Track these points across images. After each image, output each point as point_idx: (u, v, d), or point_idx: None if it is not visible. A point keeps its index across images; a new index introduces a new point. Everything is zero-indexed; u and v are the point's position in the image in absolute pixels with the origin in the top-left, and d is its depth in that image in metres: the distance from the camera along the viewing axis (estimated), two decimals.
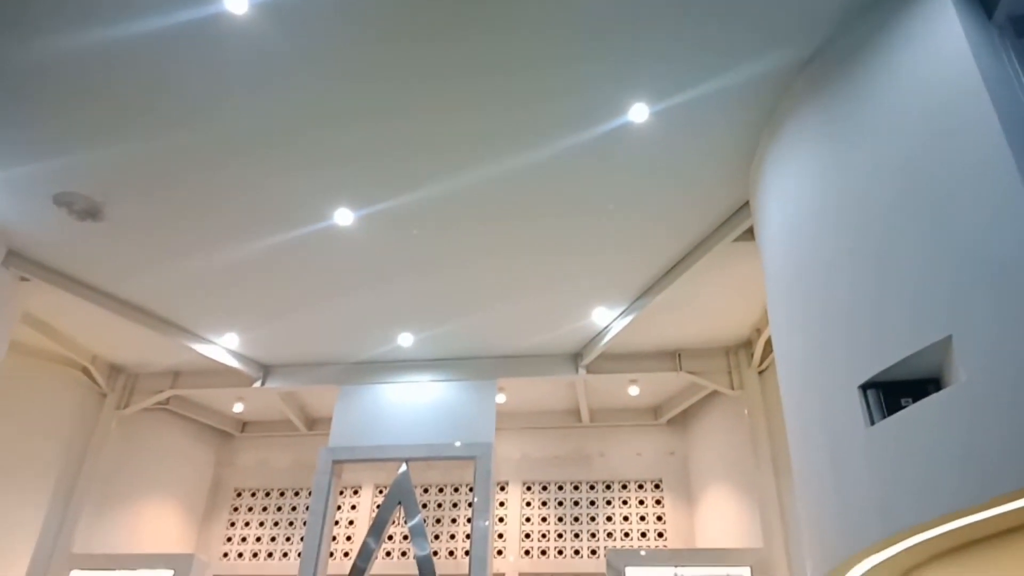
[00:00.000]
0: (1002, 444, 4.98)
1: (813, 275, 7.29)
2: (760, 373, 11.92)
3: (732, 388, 12.03)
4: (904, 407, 6.33)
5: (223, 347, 12.42)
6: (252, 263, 10.26)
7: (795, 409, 7.92)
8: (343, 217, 9.37)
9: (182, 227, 9.66)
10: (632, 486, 13.50)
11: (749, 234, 9.40)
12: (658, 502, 13.29)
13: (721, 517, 12.11)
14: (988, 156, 5.47)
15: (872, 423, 6.45)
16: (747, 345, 12.11)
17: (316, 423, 14.53)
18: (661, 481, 13.41)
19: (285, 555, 13.70)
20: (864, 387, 6.66)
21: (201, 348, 12.20)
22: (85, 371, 12.93)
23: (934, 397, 5.99)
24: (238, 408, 14.18)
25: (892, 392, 6.58)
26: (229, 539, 14.02)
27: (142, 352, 12.80)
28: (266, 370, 13.04)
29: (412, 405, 12.45)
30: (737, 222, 9.25)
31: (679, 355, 12.23)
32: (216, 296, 11.11)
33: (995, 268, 5.25)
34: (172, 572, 11.52)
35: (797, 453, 7.92)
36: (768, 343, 11.20)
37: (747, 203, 9.06)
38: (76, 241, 9.99)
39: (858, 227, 6.67)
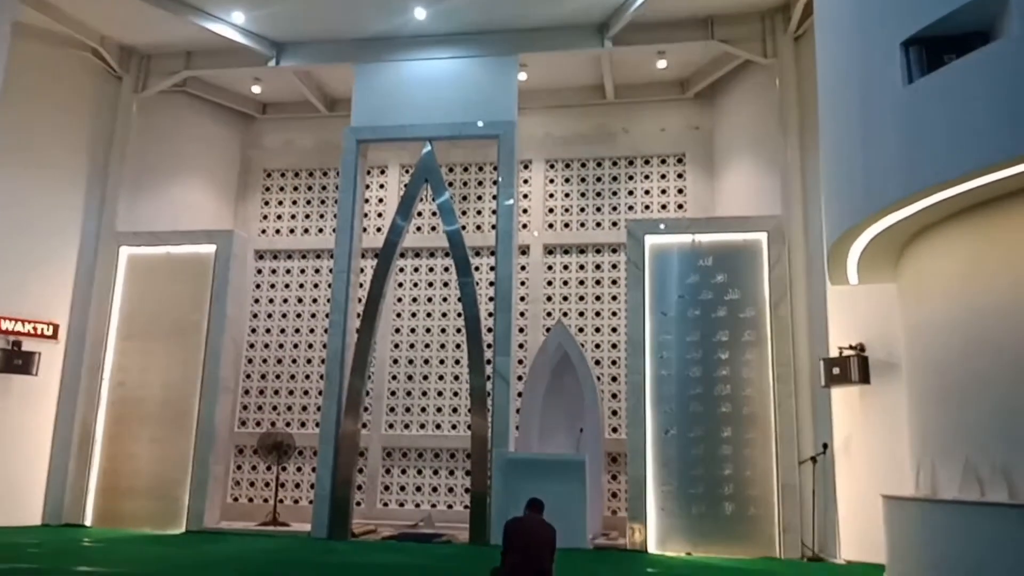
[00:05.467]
0: None
1: None
2: (796, 39, 11.32)
3: (765, 56, 11.51)
4: (947, 64, 6.05)
5: (232, 24, 11.91)
6: None
7: (831, 69, 7.62)
8: None
9: None
10: (655, 161, 13.59)
11: None
12: (680, 176, 13.45)
13: (742, 188, 12.31)
14: None
15: (910, 81, 6.22)
16: (784, 8, 11.34)
17: (336, 104, 14.38)
18: (684, 155, 13.45)
19: (320, 231, 14.40)
20: (906, 43, 6.33)
21: (210, 25, 11.70)
22: (95, 53, 12.60)
23: (982, 51, 5.70)
24: (256, 89, 13.98)
25: (935, 49, 6.27)
26: (265, 217, 14.65)
27: (150, 31, 12.33)
28: (279, 48, 12.61)
29: (433, 84, 12.17)
30: None
31: (711, 22, 11.55)
32: None
33: None
34: (214, 247, 12.21)
35: (827, 115, 7.77)
36: (807, 6, 10.46)
37: None
38: None
39: None
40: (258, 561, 8.69)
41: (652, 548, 10.20)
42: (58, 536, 10.36)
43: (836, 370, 9.93)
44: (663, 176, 13.52)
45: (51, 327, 11.83)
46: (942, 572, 6.01)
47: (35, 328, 11.66)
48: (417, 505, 13.02)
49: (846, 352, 9.94)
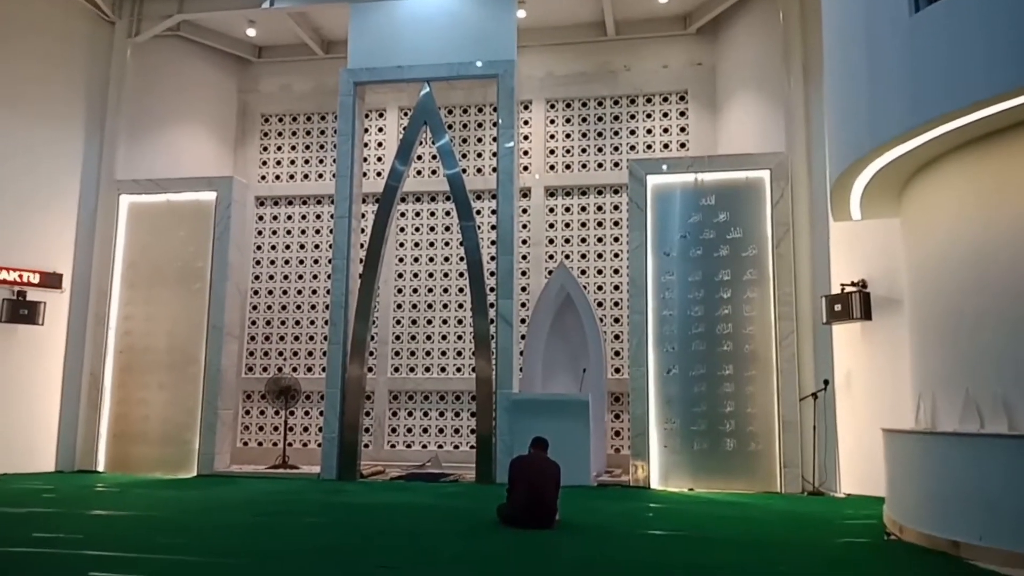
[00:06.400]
0: None
1: None
2: None
3: None
4: None
5: None
6: None
7: (836, 1, 7.45)
8: None
9: None
10: (657, 99, 13.39)
11: None
12: (682, 114, 13.28)
13: (745, 126, 12.15)
14: None
15: (916, 10, 6.09)
16: None
17: (333, 46, 14.14)
18: (686, 93, 13.25)
19: (320, 176, 14.31)
20: None
21: None
22: None
23: None
24: (251, 32, 13.75)
25: None
26: (264, 163, 14.55)
27: None
28: None
29: (430, 23, 11.93)
30: None
31: None
32: None
33: None
34: (215, 194, 12.16)
35: (832, 47, 7.63)
36: None
37: None
38: None
39: None
40: (270, 502, 8.87)
41: (655, 484, 10.39)
42: (72, 482, 10.57)
43: (838, 307, 9.96)
44: (665, 114, 13.35)
45: (38, 274, 11.67)
46: (940, 503, 6.12)
47: (20, 276, 11.65)
48: (424, 446, 13.22)
49: (848, 289, 9.96)
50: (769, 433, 10.26)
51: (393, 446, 13.32)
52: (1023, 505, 5.39)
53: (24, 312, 11.44)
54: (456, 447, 13.10)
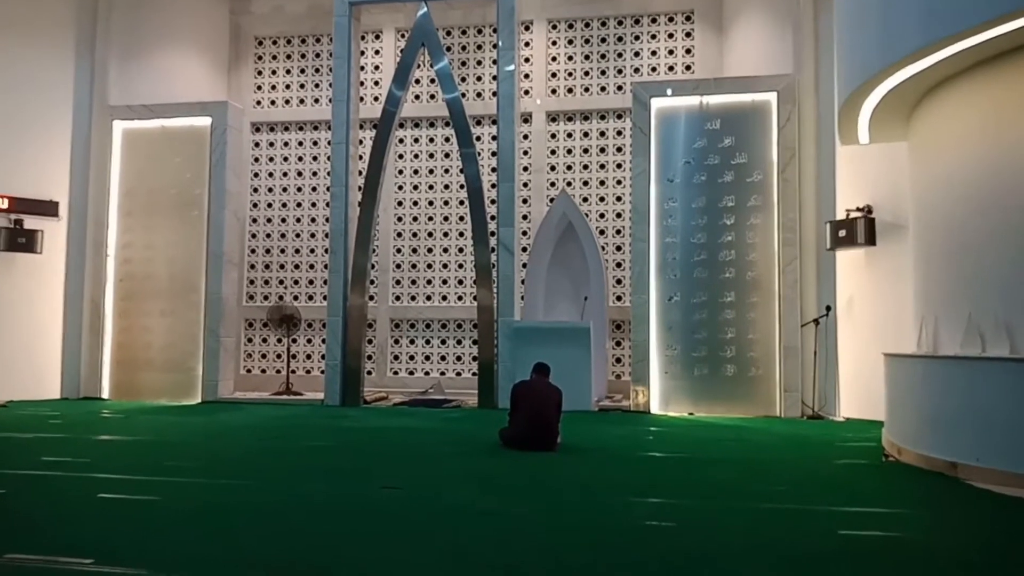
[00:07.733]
0: None
1: None
2: None
3: None
4: None
5: None
6: None
7: None
8: None
9: None
10: (662, 20, 13.01)
11: None
12: (688, 35, 12.91)
13: (752, 47, 11.83)
14: None
15: None
16: None
17: None
18: (692, 13, 12.85)
19: (316, 101, 14.01)
20: None
21: None
22: None
23: None
24: None
25: None
26: (259, 88, 14.22)
27: None
28: None
29: None
30: None
31: None
32: None
33: None
34: (209, 119, 11.92)
35: None
36: None
37: None
38: None
39: None
40: (275, 427, 8.98)
41: (655, 409, 10.50)
42: (77, 408, 10.67)
43: (842, 233, 9.89)
44: (670, 35, 12.98)
45: (6, 199, 11.48)
46: (939, 425, 6.17)
47: None
48: (427, 373, 13.33)
49: (853, 214, 9.86)
50: (770, 359, 10.30)
51: (396, 373, 13.42)
52: (1020, 427, 5.43)
53: (22, 240, 11.37)
54: (458, 374, 13.20)
